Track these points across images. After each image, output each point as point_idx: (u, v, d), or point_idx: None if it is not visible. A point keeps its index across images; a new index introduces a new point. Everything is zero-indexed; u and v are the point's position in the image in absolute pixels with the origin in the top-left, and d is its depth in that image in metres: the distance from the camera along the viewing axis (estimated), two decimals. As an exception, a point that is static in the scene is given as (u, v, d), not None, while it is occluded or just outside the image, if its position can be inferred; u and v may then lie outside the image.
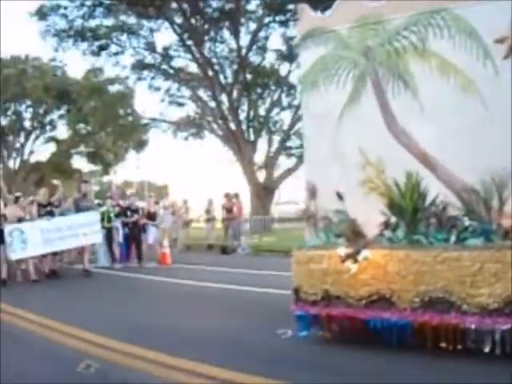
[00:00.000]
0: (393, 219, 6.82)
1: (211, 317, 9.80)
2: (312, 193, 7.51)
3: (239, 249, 21.75)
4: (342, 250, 6.61)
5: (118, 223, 18.21)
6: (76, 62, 72.90)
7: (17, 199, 16.84)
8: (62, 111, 42.31)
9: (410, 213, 6.67)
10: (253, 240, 23.37)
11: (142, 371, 6.67)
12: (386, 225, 6.83)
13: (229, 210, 23.42)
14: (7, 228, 14.89)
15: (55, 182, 18.03)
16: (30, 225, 15.48)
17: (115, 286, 14.59)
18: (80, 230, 15.90)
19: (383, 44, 7.00)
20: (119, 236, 18.28)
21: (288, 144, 33.81)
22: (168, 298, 12.21)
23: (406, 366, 6.09)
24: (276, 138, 33.91)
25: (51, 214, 15.79)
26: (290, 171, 33.02)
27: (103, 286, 14.64)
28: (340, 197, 7.10)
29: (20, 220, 15.46)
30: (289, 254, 17.29)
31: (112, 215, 17.90)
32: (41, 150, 44.03)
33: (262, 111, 33.82)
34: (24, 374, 6.71)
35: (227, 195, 23.88)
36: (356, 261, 6.50)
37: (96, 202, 18.81)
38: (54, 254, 15.99)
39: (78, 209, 16.49)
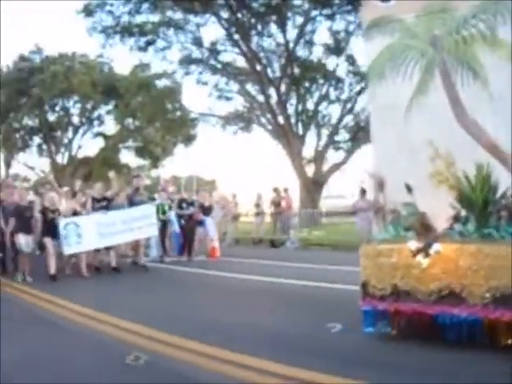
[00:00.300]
0: (463, 212, 6.66)
1: (260, 310, 9.80)
2: (380, 185, 7.38)
3: (288, 242, 21.65)
4: (413, 244, 6.47)
5: (172, 216, 17.87)
6: (123, 58, 73.37)
7: (74, 194, 16.79)
8: (110, 106, 42.59)
9: (481, 206, 6.51)
10: (302, 234, 23.21)
11: (192, 364, 6.67)
12: (456, 218, 6.68)
13: (277, 204, 23.38)
14: (62, 221, 14.60)
15: (111, 175, 17.87)
16: (86, 218, 15.28)
17: (164, 279, 14.62)
18: (135, 224, 15.65)
19: (451, 33, 6.84)
20: (175, 229, 18.03)
21: (336, 138, 33.56)
22: (216, 291, 12.16)
23: (477, 364, 5.88)
24: (324, 132, 33.62)
25: (106, 208, 15.54)
26: (338, 165, 32.82)
27: (153, 279, 14.56)
28: (409, 189, 6.96)
29: (75, 214, 15.25)
30: (337, 248, 17.18)
31: (166, 208, 17.57)
32: (89, 145, 44.36)
33: (310, 105, 33.54)
34: (73, 365, 6.75)
35: (276, 189, 23.83)
36: (427, 255, 6.35)
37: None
38: (107, 248, 15.65)
39: (132, 203, 16.26)
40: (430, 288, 6.42)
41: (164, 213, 17.39)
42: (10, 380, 6.06)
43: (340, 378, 5.78)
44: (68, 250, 14.69)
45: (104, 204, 15.60)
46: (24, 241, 14.10)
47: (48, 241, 14.39)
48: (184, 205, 18.21)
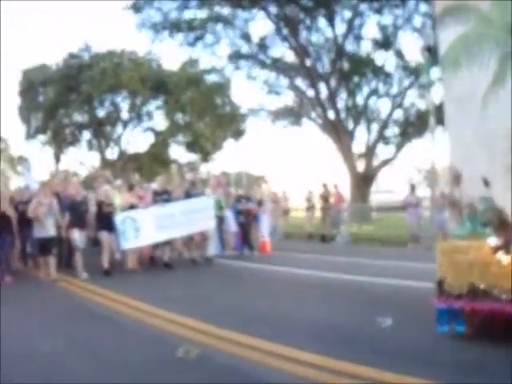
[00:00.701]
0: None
1: (309, 304, 9.78)
2: (456, 178, 7.13)
3: (338, 237, 21.51)
4: (493, 241, 6.22)
5: (228, 212, 17.61)
6: (171, 54, 74.04)
7: (131, 187, 16.22)
8: (159, 102, 42.81)
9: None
10: (352, 229, 23.05)
11: (243, 358, 6.66)
12: (535, 214, 6.42)
13: (326, 199, 23.23)
14: (119, 217, 14.33)
15: (173, 169, 17.68)
16: (143, 212, 14.92)
17: (216, 273, 14.50)
18: (193, 216, 15.20)
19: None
20: (231, 224, 17.66)
21: (386, 133, 33.22)
22: (267, 285, 12.24)
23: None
24: (374, 127, 33.30)
25: (167, 202, 15.25)
26: (387, 160, 32.51)
27: (207, 273, 14.45)
28: (486, 183, 6.71)
29: (132, 207, 14.92)
30: (386, 243, 16.92)
31: (223, 204, 17.32)
32: (138, 141, 44.67)
33: (359, 100, 33.25)
34: (125, 358, 6.81)
35: (324, 185, 23.69)
36: (509, 252, 6.10)
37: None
38: (165, 242, 15.24)
39: (188, 197, 15.84)
40: (508, 286, 6.15)
41: (221, 208, 16.99)
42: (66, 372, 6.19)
43: (410, 377, 5.60)
44: (126, 245, 14.39)
45: (165, 197, 15.32)
46: (78, 236, 13.99)
47: (103, 235, 14.24)
48: (243, 200, 18.12)
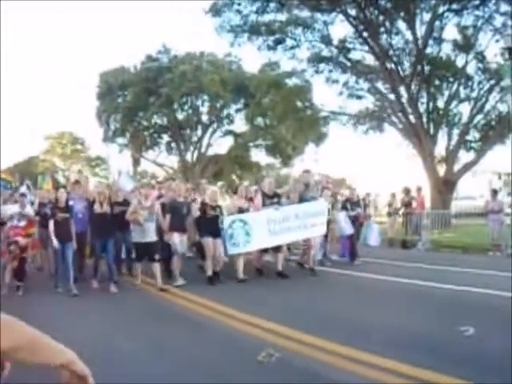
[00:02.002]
0: None
1: (391, 310, 9.90)
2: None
3: (419, 244, 21.30)
4: None
5: (342, 214, 16.68)
6: (251, 57, 74.59)
7: (236, 189, 15.80)
8: (239, 105, 43.10)
9: None
10: (432, 235, 22.78)
11: (325, 363, 6.74)
12: None
13: (407, 205, 23.04)
14: (227, 219, 13.85)
15: (293, 173, 16.62)
16: (255, 215, 14.28)
17: (306, 280, 14.17)
18: (308, 221, 14.49)
19: None
20: (347, 227, 16.65)
21: (467, 137, 32.63)
22: (349, 290, 12.43)
23: None
24: (455, 132, 32.75)
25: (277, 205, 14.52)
26: (468, 165, 31.97)
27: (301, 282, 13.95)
28: None
29: (241, 211, 14.36)
30: (467, 251, 16.69)
31: (330, 207, 16.22)
32: (218, 143, 45.15)
33: (440, 103, 32.72)
34: (207, 361, 7.01)
35: (406, 189, 23.49)
36: None
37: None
38: (275, 249, 14.68)
39: (302, 201, 15.07)
40: None
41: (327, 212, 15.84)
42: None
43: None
44: (234, 250, 13.91)
45: (275, 201, 14.59)
46: (179, 240, 13.51)
47: (208, 240, 13.58)
48: (348, 204, 17.20)
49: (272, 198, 14.61)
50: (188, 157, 45.18)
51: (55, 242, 12.57)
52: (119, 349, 7.77)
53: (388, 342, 7.64)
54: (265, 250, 14.92)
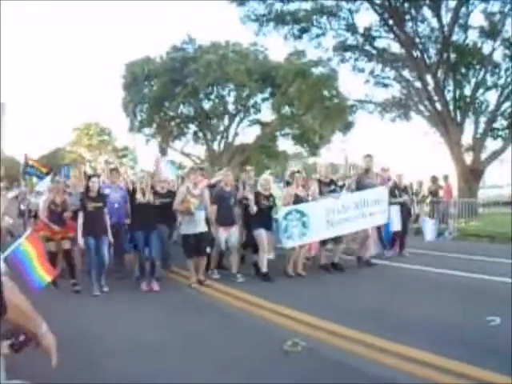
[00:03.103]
0: None
1: (419, 300, 9.99)
2: None
3: (446, 232, 21.18)
4: None
5: (393, 205, 15.34)
6: (277, 46, 74.50)
7: (292, 177, 14.34)
8: (266, 94, 43.11)
9: None
10: (459, 224, 22.70)
11: (353, 353, 6.87)
12: None
13: (435, 193, 22.97)
14: (282, 210, 12.88)
15: (367, 157, 14.84)
16: (314, 205, 13.24)
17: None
18: (368, 210, 13.69)
19: None
20: (396, 221, 15.59)
21: (494, 126, 32.39)
22: (381, 281, 12.38)
23: None
24: (482, 120, 32.52)
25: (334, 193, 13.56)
26: (496, 154, 31.71)
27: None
28: None
29: (297, 201, 13.21)
30: (494, 240, 16.58)
31: None
32: (245, 133, 45.22)
33: (467, 91, 32.49)
34: (235, 351, 7.23)
35: (433, 178, 23.42)
36: None
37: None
38: (336, 239, 13.65)
39: (360, 187, 14.18)
40: None
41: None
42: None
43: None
44: (289, 243, 12.90)
45: (332, 188, 13.58)
46: (224, 236, 12.73)
47: (261, 232, 12.72)
48: (396, 192, 15.78)
49: (329, 186, 13.63)
50: (215, 146, 45.18)
51: (80, 239, 11.51)
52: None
53: (418, 332, 7.75)
54: (324, 243, 13.73)
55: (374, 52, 33.83)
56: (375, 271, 13.61)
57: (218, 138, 45.24)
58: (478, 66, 32.13)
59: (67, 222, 12.18)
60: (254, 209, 12.68)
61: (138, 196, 11.92)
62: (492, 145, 32.54)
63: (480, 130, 31.80)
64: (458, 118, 31.64)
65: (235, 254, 13.03)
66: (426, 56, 31.72)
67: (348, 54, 34.43)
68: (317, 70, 35.31)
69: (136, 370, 6.61)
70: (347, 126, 39.92)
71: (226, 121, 44.74)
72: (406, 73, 33.80)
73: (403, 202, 16.02)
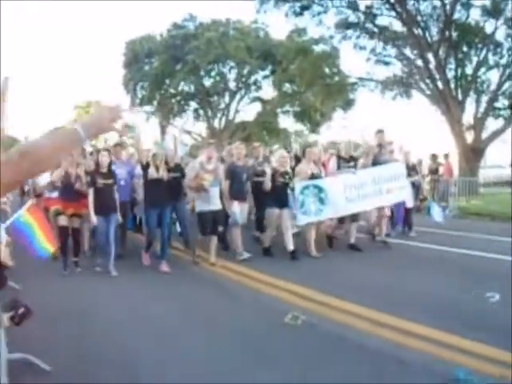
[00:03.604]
0: None
1: (417, 276, 10.06)
2: None
3: (446, 210, 21.12)
4: None
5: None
6: (278, 24, 74.20)
7: (303, 153, 13.47)
8: (267, 72, 43.13)
9: None
10: (460, 202, 22.69)
11: (351, 326, 7.03)
12: None
13: (435, 171, 22.95)
14: (299, 185, 12.14)
15: (379, 133, 13.95)
16: (332, 180, 12.62)
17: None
18: (384, 186, 12.98)
19: None
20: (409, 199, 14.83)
21: (496, 105, 32.31)
22: (381, 257, 12.32)
23: None
24: (484, 99, 32.41)
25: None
26: (497, 133, 31.64)
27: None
28: None
29: (313, 178, 12.46)
30: (495, 219, 16.48)
31: None
32: (246, 110, 45.24)
33: (468, 70, 32.37)
34: (236, 324, 7.36)
35: (433, 156, 23.38)
36: None
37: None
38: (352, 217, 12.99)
39: (376, 164, 13.40)
40: None
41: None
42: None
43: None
44: (304, 220, 12.29)
45: (351, 164, 13.00)
46: (239, 210, 12.17)
47: (273, 212, 12.27)
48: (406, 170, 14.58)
49: (348, 162, 13.03)
50: (216, 123, 45.32)
51: (93, 218, 10.83)
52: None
53: (417, 307, 7.83)
54: (341, 220, 13.15)
55: (376, 30, 33.60)
56: (383, 249, 13.35)
57: (219, 115, 45.44)
58: (480, 45, 31.94)
59: (80, 199, 11.26)
60: (268, 185, 12.23)
61: (151, 171, 11.17)
62: (493, 124, 32.54)
63: (481, 109, 31.75)
64: (460, 96, 31.57)
65: (239, 231, 12.29)
66: (427, 34, 31.56)
67: (349, 32, 34.16)
68: (318, 48, 35.08)
69: (138, 343, 6.66)
70: (348, 104, 40.00)
71: (227, 98, 44.96)
72: (407, 51, 33.64)
73: (414, 181, 15.39)
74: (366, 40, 34.45)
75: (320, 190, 12.23)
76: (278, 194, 12.22)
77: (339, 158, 13.14)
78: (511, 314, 7.02)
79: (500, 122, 32.22)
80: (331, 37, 34.70)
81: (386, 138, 14.01)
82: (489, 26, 31.28)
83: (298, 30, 36.65)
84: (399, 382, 5.38)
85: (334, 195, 12.33)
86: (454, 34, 31.32)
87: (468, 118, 31.99)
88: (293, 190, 12.23)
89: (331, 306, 8.01)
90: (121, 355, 6.22)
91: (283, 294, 8.83)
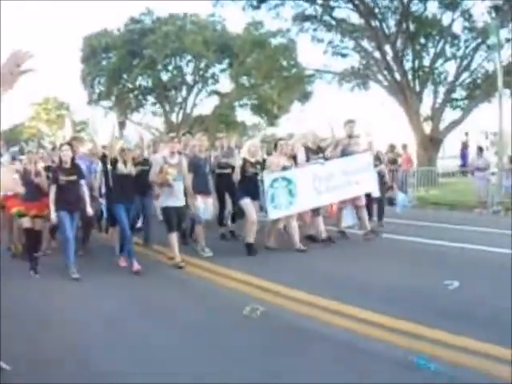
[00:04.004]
0: None
1: (379, 266, 10.06)
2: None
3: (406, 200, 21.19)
4: None
5: None
6: (235, 17, 74.23)
7: (274, 146, 12.73)
8: (224, 65, 43.15)
9: None
10: (419, 192, 22.84)
11: (312, 317, 7.03)
12: None
13: (393, 162, 22.97)
14: (268, 177, 11.74)
15: (349, 123, 13.70)
16: (300, 172, 12.24)
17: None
18: (353, 177, 12.70)
19: None
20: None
21: (453, 96, 32.62)
22: (352, 249, 12.23)
23: None
24: (441, 89, 32.69)
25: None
26: (454, 123, 31.93)
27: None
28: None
29: (284, 169, 12.11)
30: (454, 208, 16.53)
31: None
32: (203, 104, 45.20)
33: (426, 62, 32.61)
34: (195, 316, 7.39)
35: (391, 146, 23.40)
36: None
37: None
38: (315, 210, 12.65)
39: (344, 155, 13.10)
40: None
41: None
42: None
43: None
44: (274, 214, 11.86)
45: (320, 155, 12.68)
46: (203, 205, 11.75)
47: (246, 202, 11.81)
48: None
49: (317, 153, 12.68)
50: (173, 118, 45.05)
51: (53, 215, 10.11)
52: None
53: (374, 296, 7.89)
54: (315, 212, 12.68)
55: (333, 22, 33.59)
56: (345, 240, 13.29)
57: (176, 109, 45.27)
58: (437, 37, 32.21)
59: (42, 198, 10.77)
60: (238, 176, 12.02)
61: (119, 166, 10.56)
62: (451, 115, 32.87)
63: (439, 100, 32.05)
64: (417, 87, 31.83)
65: (202, 226, 12.00)
66: (385, 26, 31.66)
67: (307, 25, 34.08)
68: (275, 41, 35.02)
69: (95, 337, 6.60)
70: (306, 96, 39.77)
71: (184, 92, 44.75)
72: (365, 43, 33.68)
73: (380, 171, 15.03)
74: (324, 32, 34.43)
75: (289, 182, 11.86)
76: (249, 185, 11.91)
77: (307, 149, 12.70)
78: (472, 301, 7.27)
79: (457, 113, 32.61)
80: (288, 30, 34.65)
81: (355, 129, 13.62)
82: (446, 19, 31.59)
83: (254, 23, 36.60)
84: (360, 370, 5.33)
85: (303, 187, 12.00)
86: (412, 26, 31.48)
87: (426, 108, 32.29)
88: (262, 182, 11.89)
89: (292, 297, 7.97)
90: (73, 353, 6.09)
91: (242, 287, 8.75)
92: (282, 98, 39.03)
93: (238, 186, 12.18)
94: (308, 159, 12.54)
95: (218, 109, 44.48)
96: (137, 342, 6.38)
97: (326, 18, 33.53)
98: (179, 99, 44.90)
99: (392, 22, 31.95)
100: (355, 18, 33.00)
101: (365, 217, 13.25)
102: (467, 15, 30.64)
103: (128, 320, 7.32)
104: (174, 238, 10.96)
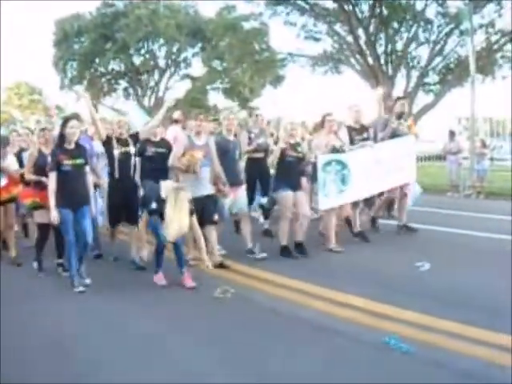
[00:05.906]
0: None
1: (351, 249, 10.09)
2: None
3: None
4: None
5: None
6: (208, 1, 73.91)
7: (322, 122, 10.73)
8: (196, 49, 43.15)
9: None
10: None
11: (283, 299, 7.07)
12: None
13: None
14: (321, 159, 9.97)
15: (401, 100, 12.32)
16: (356, 155, 10.31)
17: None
18: (400, 162, 10.95)
19: None
20: None
21: (426, 80, 32.78)
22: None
23: None
24: (414, 74, 32.76)
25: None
26: (426, 107, 32.06)
27: None
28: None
29: (335, 151, 10.23)
30: (426, 191, 16.73)
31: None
32: (176, 87, 45.27)
33: (399, 46, 32.60)
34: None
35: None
36: None
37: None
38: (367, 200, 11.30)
39: (394, 136, 11.25)
40: None
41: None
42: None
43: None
44: (325, 204, 10.17)
45: (365, 136, 10.85)
46: (231, 199, 9.48)
47: (286, 196, 9.55)
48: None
49: (361, 133, 10.81)
50: (145, 102, 45.19)
51: (54, 213, 7.71)
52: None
53: (347, 277, 8.04)
54: (356, 203, 10.93)
55: (306, 6, 33.35)
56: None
57: (149, 93, 45.64)
58: (410, 22, 32.15)
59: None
60: (273, 161, 9.91)
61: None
62: (423, 99, 33.04)
63: (412, 84, 32.14)
64: (390, 71, 31.84)
65: (247, 221, 9.99)
66: (358, 10, 31.54)
67: (280, 8, 33.76)
68: (248, 24, 34.82)
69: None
70: (278, 80, 40.02)
71: (157, 76, 45.11)
72: (337, 27, 33.46)
73: None
74: (297, 16, 34.13)
75: (344, 166, 10.03)
76: (289, 173, 9.68)
77: (350, 128, 10.79)
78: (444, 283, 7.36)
79: (430, 97, 32.80)
80: (261, 13, 34.31)
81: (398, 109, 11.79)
82: (419, 3, 31.44)
83: (227, 7, 36.62)
84: (331, 351, 5.35)
85: (358, 174, 10.18)
86: (385, 11, 31.42)
87: (398, 92, 32.23)
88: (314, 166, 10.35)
89: (264, 279, 8.00)
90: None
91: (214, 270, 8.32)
92: (254, 81, 39.31)
93: (275, 173, 10.07)
94: (352, 141, 10.61)
95: (190, 92, 44.33)
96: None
97: (299, 1, 33.33)
98: (152, 83, 45.17)
99: (365, 7, 31.83)
100: (329, 3, 32.83)
101: (406, 208, 11.79)
102: (440, 0, 30.63)
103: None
104: (213, 232, 8.95)
